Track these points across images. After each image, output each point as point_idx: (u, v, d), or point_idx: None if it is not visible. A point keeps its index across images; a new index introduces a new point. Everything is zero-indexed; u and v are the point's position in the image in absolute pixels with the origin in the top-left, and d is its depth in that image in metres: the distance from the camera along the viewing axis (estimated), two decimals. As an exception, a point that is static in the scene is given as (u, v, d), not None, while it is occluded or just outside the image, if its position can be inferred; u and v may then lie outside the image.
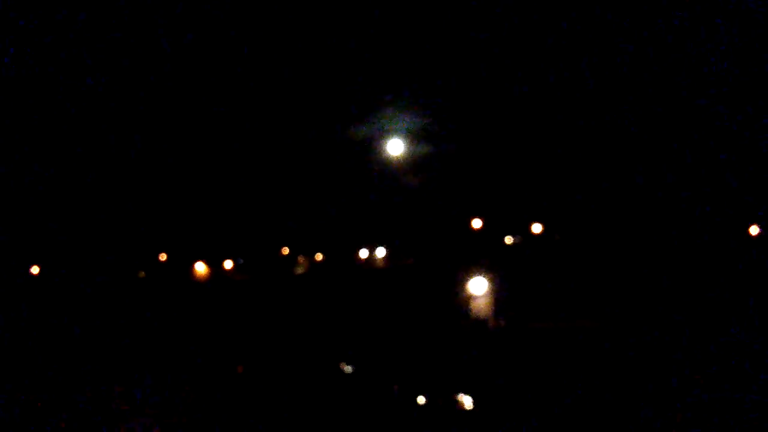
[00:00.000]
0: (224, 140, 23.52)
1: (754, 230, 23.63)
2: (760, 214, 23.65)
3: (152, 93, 21.73)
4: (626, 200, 23.95)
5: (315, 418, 14.69)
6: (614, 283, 21.55)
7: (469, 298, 20.29)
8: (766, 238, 23.71)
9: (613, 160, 23.55)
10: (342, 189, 24.83)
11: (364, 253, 27.97)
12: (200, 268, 28.37)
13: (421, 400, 15.35)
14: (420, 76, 21.72)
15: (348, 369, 17.59)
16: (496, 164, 23.99)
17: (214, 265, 28.38)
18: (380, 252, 27.80)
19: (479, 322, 20.00)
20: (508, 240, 26.19)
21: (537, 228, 25.60)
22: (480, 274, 20.34)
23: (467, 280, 20.37)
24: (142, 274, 27.95)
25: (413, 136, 21.92)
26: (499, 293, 20.31)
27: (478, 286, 20.21)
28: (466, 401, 15.10)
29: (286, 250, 28.77)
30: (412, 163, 22.66)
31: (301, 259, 29.04)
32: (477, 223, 25.39)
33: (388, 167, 22.49)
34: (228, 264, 28.55)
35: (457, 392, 15.39)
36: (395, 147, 21.55)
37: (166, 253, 28.10)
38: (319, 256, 28.81)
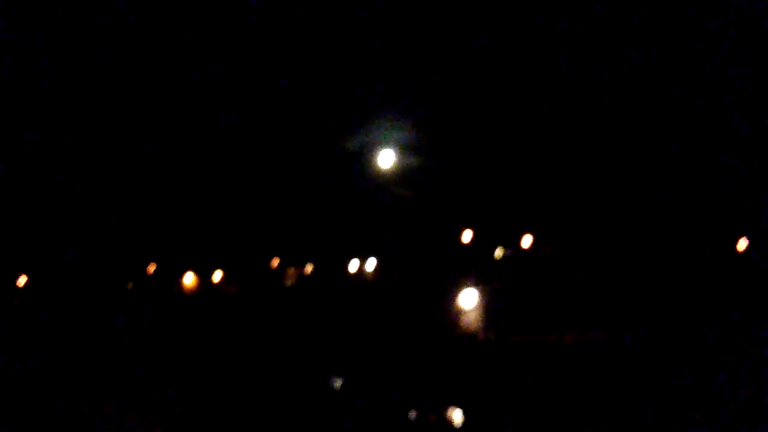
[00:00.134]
0: (213, 151, 23.45)
1: (742, 244, 23.74)
2: (748, 228, 23.77)
3: (138, 106, 21.65)
4: (617, 213, 24.01)
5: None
6: (606, 295, 21.57)
7: (459, 310, 20.26)
8: (754, 252, 23.82)
9: (603, 173, 23.62)
10: (332, 200, 24.77)
11: (354, 265, 27.89)
12: (189, 279, 28.20)
13: (411, 414, 15.27)
14: (410, 88, 21.74)
15: (338, 383, 17.48)
16: (487, 177, 24.01)
17: (204, 276, 28.23)
18: (370, 264, 27.74)
19: (469, 335, 19.96)
20: (498, 252, 26.19)
21: (527, 241, 25.62)
22: (470, 287, 20.32)
23: (458, 293, 20.34)
24: (131, 285, 27.75)
25: (404, 148, 21.92)
26: (489, 306, 20.29)
27: (468, 299, 20.19)
28: (457, 415, 15.04)
29: (276, 262, 28.64)
30: (402, 175, 22.65)
31: (291, 270, 28.92)
32: (467, 236, 25.37)
33: (378, 179, 22.46)
34: (217, 275, 28.39)
35: (448, 406, 15.32)
36: (386, 159, 21.54)
37: (155, 263, 27.92)
38: (309, 268, 28.70)
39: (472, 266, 23.89)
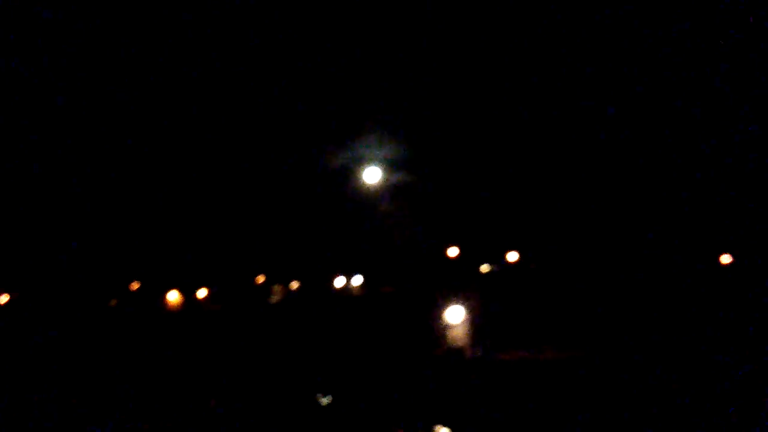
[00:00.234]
0: (199, 168, 23.38)
1: (725, 259, 23.99)
2: (730, 244, 24.02)
3: (121, 128, 21.58)
4: (601, 229, 24.17)
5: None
6: (592, 312, 21.65)
7: (445, 326, 20.24)
8: (736, 267, 24.07)
9: (588, 191, 23.80)
10: (318, 217, 24.75)
11: (340, 282, 27.83)
12: (173, 296, 27.98)
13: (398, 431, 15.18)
14: (397, 105, 21.84)
15: (324, 400, 17.37)
16: (473, 193, 24.12)
17: (188, 293, 28.03)
18: (357, 280, 27.69)
19: (456, 351, 19.93)
20: (484, 268, 26.27)
21: (513, 257, 25.73)
22: (456, 303, 20.31)
23: (444, 309, 20.32)
24: (114, 302, 27.50)
25: (390, 165, 21.97)
26: (475, 322, 20.28)
27: (454, 315, 20.17)
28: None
29: (261, 278, 28.52)
30: (389, 192, 22.68)
31: (276, 287, 28.79)
32: (453, 252, 25.43)
33: (365, 195, 22.47)
34: (202, 292, 28.21)
35: (435, 423, 15.26)
36: (372, 175, 21.56)
37: (138, 281, 27.70)
38: (294, 285, 28.60)
39: (458, 282, 23.92)
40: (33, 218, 23.31)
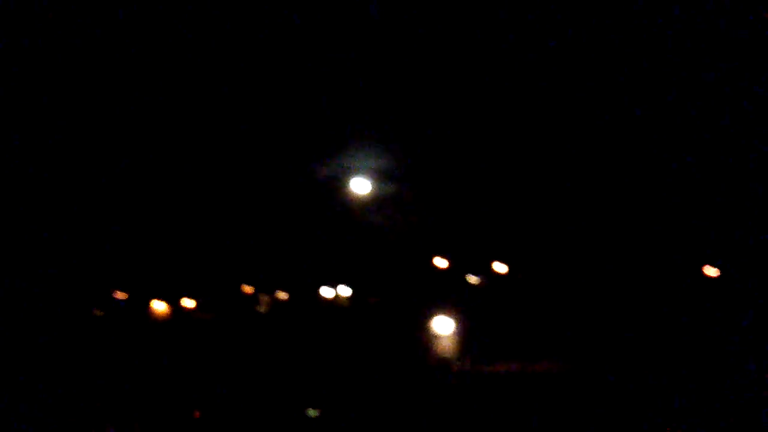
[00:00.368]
0: (185, 177, 23.26)
1: (710, 271, 24.09)
2: (716, 256, 24.13)
3: (105, 134, 21.44)
4: (589, 239, 24.23)
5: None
6: (581, 323, 21.69)
7: (433, 338, 20.21)
8: (723, 279, 24.18)
9: (575, 200, 23.86)
10: (305, 227, 24.67)
11: (327, 292, 27.73)
12: (158, 306, 27.76)
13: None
14: (385, 116, 21.83)
15: (312, 413, 17.29)
16: (462, 204, 24.12)
17: (173, 303, 27.82)
18: (344, 291, 27.60)
19: (443, 363, 19.90)
20: (472, 279, 26.24)
21: (500, 267, 25.72)
22: (444, 314, 20.30)
23: (431, 320, 20.31)
24: (98, 312, 27.24)
25: (378, 175, 21.96)
26: (464, 333, 20.27)
27: (442, 326, 20.15)
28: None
29: (248, 289, 28.37)
30: (376, 202, 22.66)
31: (263, 297, 28.64)
32: (441, 263, 25.40)
33: (352, 206, 22.45)
34: (187, 302, 28.01)
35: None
36: (360, 186, 21.55)
37: (124, 291, 27.48)
38: (282, 295, 28.47)
39: (447, 293, 23.90)
40: (16, 227, 23.08)
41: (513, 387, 17.38)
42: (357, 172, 21.53)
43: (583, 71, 20.88)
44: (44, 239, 23.53)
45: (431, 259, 25.46)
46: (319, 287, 27.59)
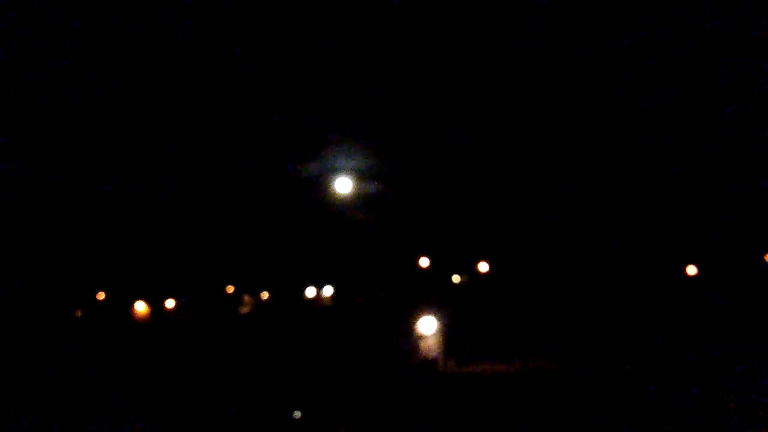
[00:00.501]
0: (167, 175, 23.11)
1: (691, 270, 24.34)
2: (697, 254, 24.37)
3: (92, 136, 21.26)
4: (572, 238, 24.37)
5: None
6: (565, 321, 21.80)
7: (417, 337, 20.21)
8: (703, 278, 24.43)
9: (558, 199, 23.99)
10: (289, 227, 24.59)
11: (311, 292, 27.68)
12: (140, 307, 27.58)
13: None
14: (368, 115, 21.82)
15: (296, 414, 17.20)
16: (444, 203, 24.17)
17: (155, 304, 27.64)
18: (327, 291, 27.56)
19: (428, 363, 19.90)
20: (456, 279, 26.31)
21: (483, 267, 25.82)
22: (428, 313, 20.29)
23: (415, 320, 20.29)
24: (79, 313, 27.02)
25: (361, 175, 21.91)
26: (447, 333, 20.28)
27: (426, 326, 20.14)
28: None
29: (230, 289, 28.24)
30: (359, 202, 22.62)
31: (246, 297, 28.52)
32: (424, 262, 25.45)
33: (335, 205, 22.39)
34: (170, 303, 27.84)
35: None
36: (343, 185, 21.47)
37: (104, 291, 27.26)
38: (265, 295, 28.37)
39: (430, 292, 23.94)
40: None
41: (498, 386, 17.43)
42: (340, 171, 21.47)
43: (572, 69, 20.99)
44: (26, 242, 23.30)
45: (415, 259, 25.50)
46: (302, 287, 27.52)
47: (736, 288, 22.56)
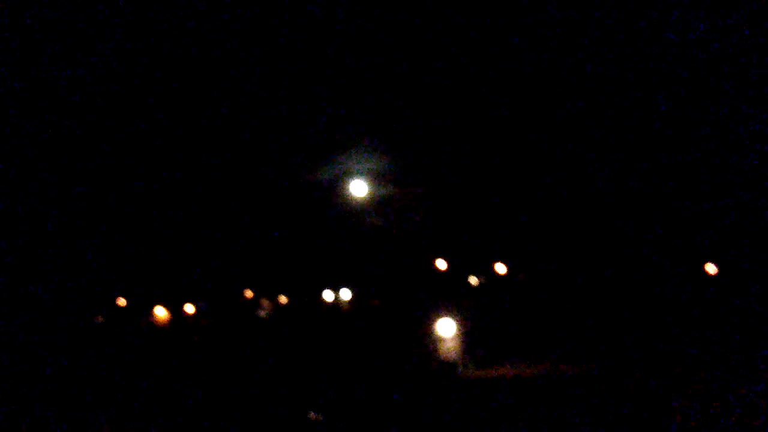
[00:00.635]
0: (184, 180, 23.27)
1: (711, 269, 24.10)
2: (715, 253, 24.14)
3: (104, 141, 21.45)
4: (591, 239, 24.24)
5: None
6: (584, 323, 21.68)
7: (435, 340, 20.16)
8: (722, 277, 24.19)
9: (575, 199, 23.88)
10: (305, 230, 24.66)
11: (328, 296, 27.73)
12: (160, 312, 27.78)
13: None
14: (384, 117, 21.84)
15: (314, 417, 17.26)
16: (459, 204, 24.13)
17: (175, 309, 27.83)
18: (345, 294, 27.58)
19: (447, 366, 19.83)
20: (473, 280, 26.23)
21: (501, 268, 25.72)
22: (446, 316, 20.23)
23: (433, 322, 20.25)
24: (100, 319, 27.26)
25: (377, 177, 21.93)
26: (465, 335, 20.22)
27: (444, 328, 20.09)
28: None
29: (249, 293, 28.37)
30: (375, 204, 22.63)
31: (264, 301, 28.63)
32: (441, 264, 25.39)
33: (351, 208, 22.42)
34: (189, 308, 28.02)
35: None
36: (359, 188, 21.51)
37: (125, 297, 27.50)
38: (283, 299, 28.45)
39: (447, 294, 23.88)
40: (16, 234, 23.09)
41: (518, 389, 17.34)
42: (355, 174, 21.50)
43: (581, 72, 20.91)
44: (47, 247, 23.55)
45: (432, 261, 25.46)
46: (320, 290, 27.58)
47: (757, 287, 22.32)
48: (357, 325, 24.78)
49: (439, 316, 20.21)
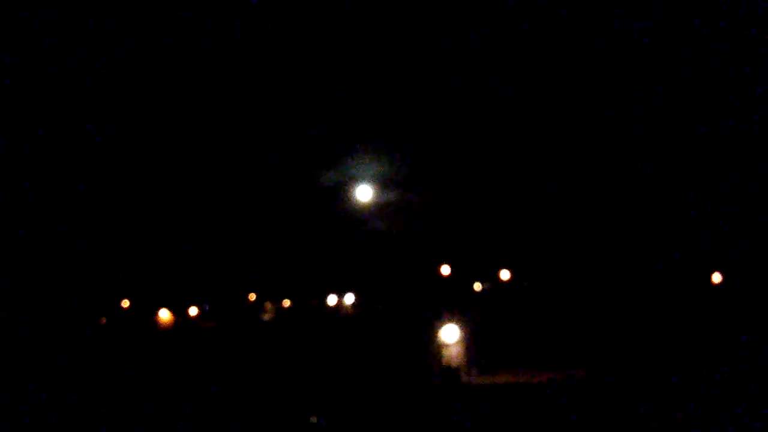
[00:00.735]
0: (189, 185, 23.31)
1: (716, 278, 24.05)
2: (722, 262, 24.10)
3: (109, 143, 21.51)
4: (596, 247, 24.21)
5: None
6: (587, 330, 21.62)
7: (439, 346, 20.12)
8: (727, 285, 24.15)
9: (582, 208, 23.86)
10: (310, 235, 24.68)
11: (332, 300, 27.73)
12: (164, 315, 27.79)
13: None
14: (389, 124, 21.87)
15: (313, 419, 17.23)
16: (464, 211, 24.13)
17: (179, 311, 27.84)
18: (349, 298, 27.58)
19: (450, 372, 19.78)
20: (477, 287, 26.22)
21: (505, 275, 25.71)
22: (449, 322, 20.20)
23: (437, 328, 20.21)
24: (104, 320, 27.28)
25: (382, 183, 21.97)
26: (469, 341, 20.18)
27: (448, 334, 20.05)
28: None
29: (253, 296, 28.38)
30: (380, 210, 22.66)
31: (268, 305, 28.64)
32: (446, 270, 25.39)
33: (356, 213, 22.45)
34: (193, 311, 28.03)
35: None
36: (364, 193, 21.54)
37: (129, 299, 27.52)
38: (286, 303, 28.47)
39: (451, 300, 23.85)
40: (23, 237, 23.14)
41: (520, 397, 17.30)
42: (361, 180, 21.53)
43: (587, 84, 20.94)
44: (51, 250, 23.59)
45: (436, 267, 25.46)
46: (323, 295, 27.58)
47: (762, 296, 22.27)
48: (360, 330, 24.74)
49: (442, 322, 20.18)
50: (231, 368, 22.48)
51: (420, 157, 22.84)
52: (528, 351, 20.80)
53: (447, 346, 19.70)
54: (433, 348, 20.00)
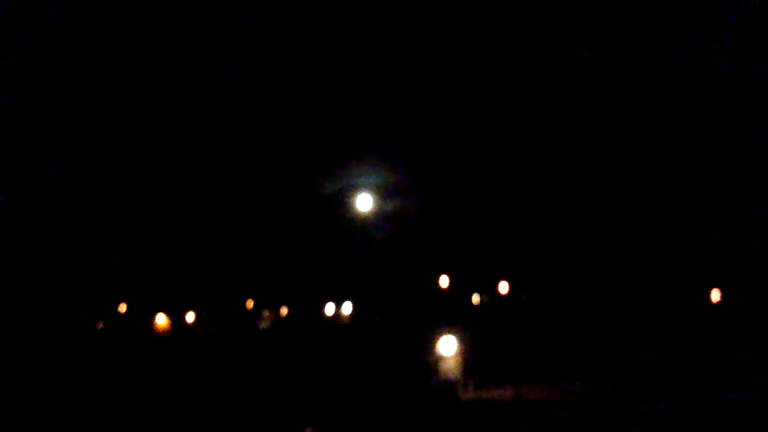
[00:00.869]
0: (189, 194, 23.33)
1: (715, 295, 23.99)
2: (720, 279, 24.05)
3: (109, 147, 21.53)
4: (595, 261, 24.19)
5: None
6: (586, 345, 21.59)
7: (436, 358, 20.06)
8: (726, 303, 24.09)
9: (578, 222, 23.85)
10: (309, 243, 24.67)
11: (330, 309, 27.67)
12: (161, 320, 27.73)
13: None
14: (390, 134, 21.89)
15: (308, 431, 17.18)
16: (463, 222, 24.12)
17: (176, 317, 27.78)
18: (347, 308, 27.52)
19: (446, 385, 19.72)
20: (475, 299, 26.16)
21: (504, 287, 25.62)
22: (447, 334, 20.15)
23: (434, 340, 20.16)
24: (101, 325, 27.23)
25: (382, 193, 21.96)
26: (466, 354, 20.13)
27: (445, 347, 19.99)
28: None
29: (250, 304, 28.32)
30: (380, 219, 22.65)
31: (266, 313, 28.58)
32: (444, 281, 25.31)
33: (356, 223, 22.43)
34: (190, 316, 27.97)
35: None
36: (363, 203, 21.52)
37: (126, 303, 27.47)
38: (284, 311, 28.40)
39: (449, 312, 23.80)
40: (21, 241, 23.12)
41: (516, 412, 17.22)
42: (360, 189, 21.52)
43: (587, 94, 20.94)
44: (49, 253, 23.57)
45: (435, 278, 25.40)
46: (321, 303, 27.52)
47: (761, 314, 22.23)
48: (357, 340, 24.68)
49: (440, 333, 20.13)
50: (227, 375, 22.43)
51: (420, 168, 22.86)
52: (526, 364, 20.74)
53: (444, 358, 19.65)
54: (431, 360, 19.95)
